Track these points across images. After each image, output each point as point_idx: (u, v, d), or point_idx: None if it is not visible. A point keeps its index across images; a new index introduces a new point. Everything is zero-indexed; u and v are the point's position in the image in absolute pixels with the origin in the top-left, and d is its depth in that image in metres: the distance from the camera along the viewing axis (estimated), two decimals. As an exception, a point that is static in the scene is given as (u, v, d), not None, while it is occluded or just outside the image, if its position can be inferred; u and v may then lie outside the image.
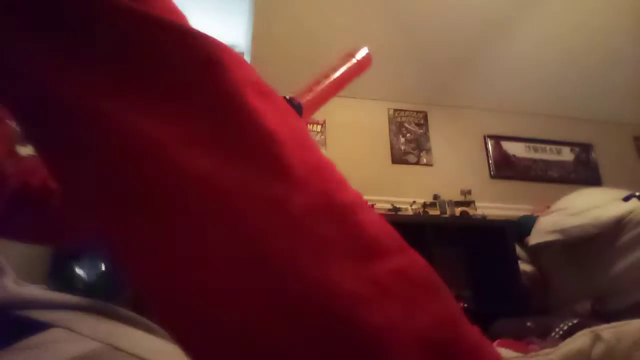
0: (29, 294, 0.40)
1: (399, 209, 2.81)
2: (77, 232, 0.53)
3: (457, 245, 2.94)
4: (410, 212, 2.82)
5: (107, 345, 0.36)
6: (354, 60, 0.70)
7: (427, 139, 3.36)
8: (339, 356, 0.18)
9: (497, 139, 3.47)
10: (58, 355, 0.33)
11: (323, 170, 0.25)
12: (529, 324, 1.68)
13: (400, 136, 3.32)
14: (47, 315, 0.37)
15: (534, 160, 3.46)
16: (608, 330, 0.72)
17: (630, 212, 2.27)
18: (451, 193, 2.91)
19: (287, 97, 0.56)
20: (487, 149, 3.43)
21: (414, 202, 2.86)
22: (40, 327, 0.36)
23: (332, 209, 0.22)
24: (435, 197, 2.90)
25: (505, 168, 3.39)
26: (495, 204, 3.11)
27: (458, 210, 2.80)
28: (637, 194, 2.38)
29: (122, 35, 0.21)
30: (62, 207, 0.52)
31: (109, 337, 0.37)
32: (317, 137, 3.17)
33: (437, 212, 2.79)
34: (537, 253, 2.62)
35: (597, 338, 0.72)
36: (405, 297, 0.21)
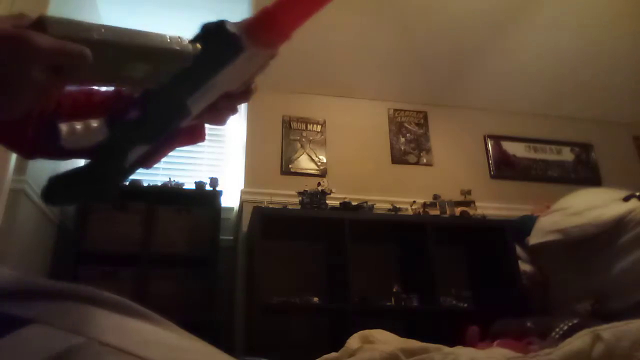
0: (5, 284, 0.38)
1: (399, 209, 2.81)
2: None
3: (457, 245, 2.94)
4: (410, 212, 2.82)
5: (90, 339, 0.34)
6: None
7: (427, 139, 3.36)
8: None
9: (497, 139, 3.47)
10: (36, 353, 0.32)
11: None
12: (529, 324, 1.68)
13: (400, 136, 3.32)
14: (25, 309, 0.35)
15: (534, 160, 3.46)
16: (608, 330, 0.72)
17: (630, 212, 2.27)
18: (451, 193, 2.90)
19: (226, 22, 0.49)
20: (487, 149, 3.43)
21: (414, 202, 2.86)
22: (17, 322, 0.34)
23: None
24: (435, 197, 2.90)
25: (505, 168, 3.39)
26: (495, 204, 3.11)
27: (458, 210, 2.80)
28: (637, 194, 2.38)
29: None
30: None
31: (93, 330, 0.35)
32: (317, 137, 3.17)
33: (437, 212, 2.79)
34: (537, 253, 2.62)
35: (597, 338, 0.72)
36: None
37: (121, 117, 0.45)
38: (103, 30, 0.43)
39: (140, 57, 0.45)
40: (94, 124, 0.43)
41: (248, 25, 0.49)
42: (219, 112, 0.53)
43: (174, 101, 0.47)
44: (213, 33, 0.48)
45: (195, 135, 0.56)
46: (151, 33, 0.47)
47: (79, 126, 0.42)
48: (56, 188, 0.41)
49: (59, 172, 0.42)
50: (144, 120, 0.45)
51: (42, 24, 0.39)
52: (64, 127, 0.41)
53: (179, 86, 0.47)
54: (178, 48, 0.47)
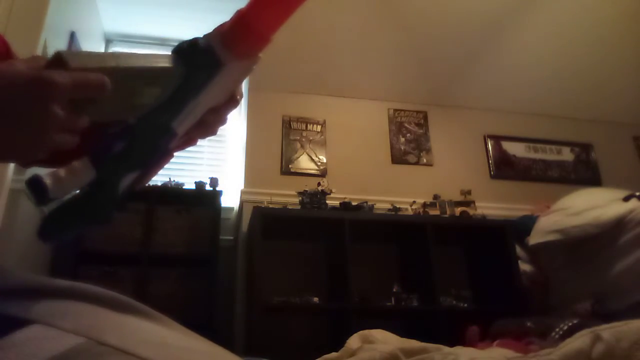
0: (6, 282, 0.38)
1: (399, 209, 2.81)
2: None
3: (457, 245, 2.94)
4: (410, 212, 2.82)
5: (90, 340, 0.34)
6: None
7: (427, 139, 3.36)
8: None
9: (497, 139, 3.46)
10: (36, 355, 0.32)
11: None
12: (529, 324, 1.68)
13: (400, 136, 3.32)
14: (25, 309, 0.35)
15: (534, 160, 3.46)
16: (608, 330, 0.72)
17: (630, 212, 2.27)
18: (451, 193, 2.90)
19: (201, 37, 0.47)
20: (487, 149, 3.43)
21: (414, 202, 2.86)
22: (17, 323, 0.34)
23: None
24: (435, 197, 2.90)
25: (505, 168, 3.39)
26: (495, 204, 3.11)
27: (458, 210, 2.80)
28: (637, 194, 2.38)
29: None
30: None
31: (93, 330, 0.34)
32: (317, 137, 3.17)
33: (437, 212, 2.79)
34: (537, 253, 2.62)
35: (597, 338, 0.72)
36: None
37: (106, 153, 0.43)
38: (116, 57, 0.43)
39: (150, 81, 0.45)
40: (78, 165, 0.41)
41: (224, 35, 0.46)
42: (208, 126, 0.52)
43: (159, 127, 0.46)
44: (188, 53, 0.46)
45: (186, 143, 0.54)
46: (157, 54, 0.47)
47: (63, 173, 0.40)
48: (51, 226, 0.40)
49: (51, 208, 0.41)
50: (131, 151, 0.44)
51: (58, 59, 0.39)
52: (48, 180, 0.39)
53: (162, 111, 0.46)
54: (170, 65, 0.46)
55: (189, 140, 0.53)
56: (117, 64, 0.42)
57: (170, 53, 0.47)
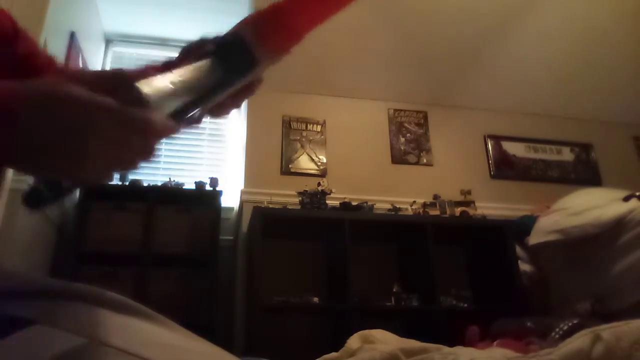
0: (7, 283, 0.38)
1: (399, 209, 2.81)
2: None
3: (457, 245, 2.94)
4: (410, 212, 2.82)
5: (93, 340, 0.34)
6: None
7: (427, 139, 3.36)
8: None
9: (497, 139, 3.47)
10: (38, 355, 0.32)
11: None
12: (529, 324, 1.68)
13: (400, 136, 3.32)
14: (27, 309, 0.35)
15: (534, 160, 3.46)
16: (608, 330, 0.72)
17: (631, 212, 2.27)
18: (451, 193, 2.90)
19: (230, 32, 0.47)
20: (487, 149, 3.43)
21: (414, 202, 2.86)
22: (19, 323, 0.34)
23: None
24: (435, 197, 2.90)
25: (505, 168, 3.39)
26: (495, 204, 3.11)
27: (458, 210, 2.80)
28: (637, 194, 2.38)
29: None
30: None
31: (95, 330, 0.35)
32: (317, 137, 3.17)
33: (437, 212, 2.79)
34: (537, 253, 2.62)
35: (597, 338, 0.72)
36: None
37: None
38: (178, 80, 0.43)
39: (197, 92, 0.46)
40: None
41: (257, 28, 0.46)
42: (223, 108, 0.52)
43: (179, 112, 0.46)
44: (228, 57, 0.46)
45: (192, 123, 0.54)
46: (201, 64, 0.46)
47: None
48: (38, 195, 0.39)
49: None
50: None
51: (139, 99, 0.39)
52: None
53: (189, 105, 0.46)
54: (214, 74, 0.47)
55: (196, 119, 0.53)
56: (182, 87, 0.43)
57: (208, 56, 0.47)
